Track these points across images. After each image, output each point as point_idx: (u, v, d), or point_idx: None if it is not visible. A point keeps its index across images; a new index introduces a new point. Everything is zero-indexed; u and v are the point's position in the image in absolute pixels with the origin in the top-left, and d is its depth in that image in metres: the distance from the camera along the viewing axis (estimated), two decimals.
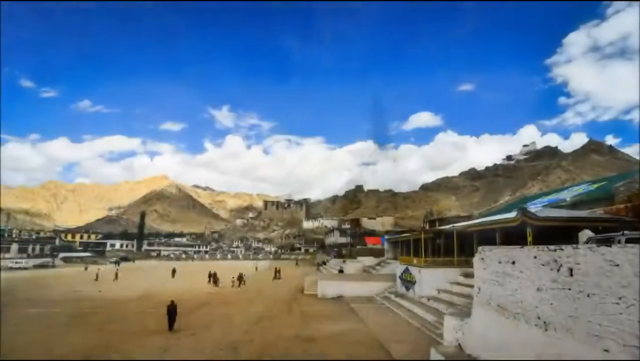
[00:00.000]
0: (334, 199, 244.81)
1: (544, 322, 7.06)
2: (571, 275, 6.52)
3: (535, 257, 7.55)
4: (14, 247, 69.60)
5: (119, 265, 64.18)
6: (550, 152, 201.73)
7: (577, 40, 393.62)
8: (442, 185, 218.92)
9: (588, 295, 6.11)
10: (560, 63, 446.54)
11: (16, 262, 57.60)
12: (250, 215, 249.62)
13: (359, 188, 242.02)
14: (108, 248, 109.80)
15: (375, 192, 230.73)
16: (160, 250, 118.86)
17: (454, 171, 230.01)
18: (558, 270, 6.84)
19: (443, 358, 9.66)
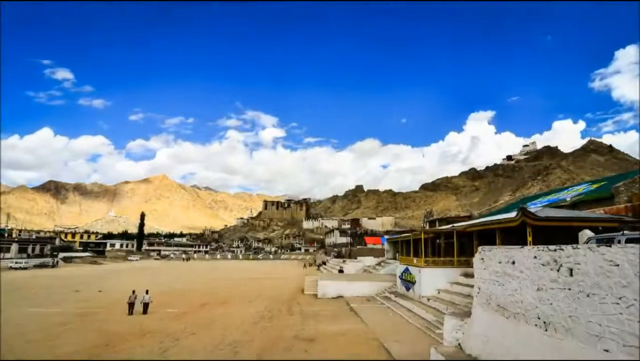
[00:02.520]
0: (334, 199, 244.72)
1: (544, 322, 7.06)
2: (571, 275, 6.52)
3: (535, 257, 7.55)
4: (14, 247, 69.50)
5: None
6: (550, 152, 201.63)
7: (629, 53, 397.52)
8: (442, 185, 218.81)
9: (588, 295, 6.10)
10: (607, 74, 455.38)
11: (16, 262, 57.54)
12: (251, 215, 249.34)
13: (359, 188, 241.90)
14: (108, 248, 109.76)
15: (375, 192, 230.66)
16: (160, 250, 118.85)
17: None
18: (558, 270, 6.84)
19: (443, 358, 9.65)
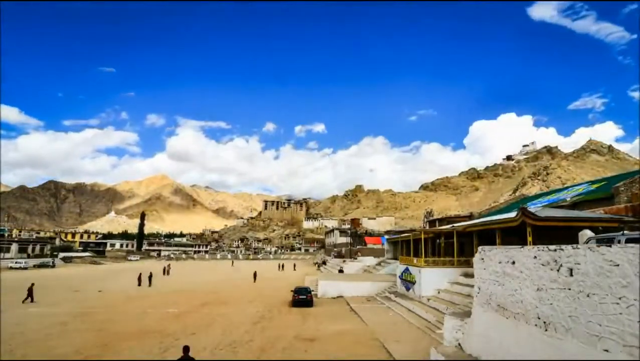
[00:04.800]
0: (334, 199, 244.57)
1: (544, 322, 7.06)
2: (571, 275, 6.52)
3: (535, 257, 7.55)
4: (14, 247, 69.55)
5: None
6: (550, 152, 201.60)
7: None
8: (442, 185, 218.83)
9: (588, 295, 6.10)
10: None
11: (16, 262, 57.53)
12: (251, 215, 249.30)
13: (359, 188, 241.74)
14: (108, 248, 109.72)
15: (375, 192, 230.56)
16: (160, 250, 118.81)
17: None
18: (558, 270, 6.84)
19: (443, 358, 9.66)
